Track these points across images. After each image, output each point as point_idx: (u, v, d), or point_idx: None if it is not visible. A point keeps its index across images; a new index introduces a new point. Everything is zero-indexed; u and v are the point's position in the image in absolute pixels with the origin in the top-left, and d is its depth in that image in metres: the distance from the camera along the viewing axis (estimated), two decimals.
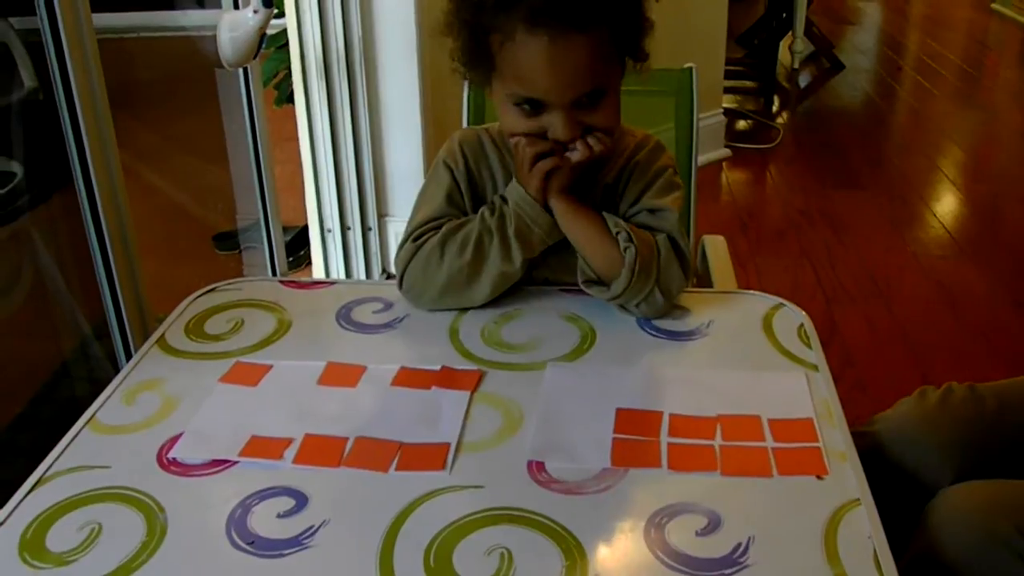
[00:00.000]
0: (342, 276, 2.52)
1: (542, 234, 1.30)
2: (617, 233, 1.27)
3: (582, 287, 1.31)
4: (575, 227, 1.30)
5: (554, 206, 1.29)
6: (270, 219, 2.19)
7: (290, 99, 2.53)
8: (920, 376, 2.54)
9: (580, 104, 1.20)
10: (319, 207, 2.49)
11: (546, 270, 1.37)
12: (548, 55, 1.15)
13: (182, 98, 3.35)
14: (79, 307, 2.18)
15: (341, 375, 1.19)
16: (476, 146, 1.37)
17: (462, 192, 1.35)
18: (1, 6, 2.78)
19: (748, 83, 5.22)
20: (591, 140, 1.22)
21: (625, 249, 1.26)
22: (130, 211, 1.49)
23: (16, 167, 2.72)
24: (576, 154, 1.23)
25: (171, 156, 3.19)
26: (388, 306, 1.35)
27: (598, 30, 1.17)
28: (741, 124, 4.69)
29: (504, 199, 1.31)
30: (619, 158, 1.34)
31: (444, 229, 1.31)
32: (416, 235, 1.33)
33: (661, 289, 1.27)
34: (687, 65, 1.81)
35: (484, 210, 1.32)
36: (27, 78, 2.77)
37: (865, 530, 0.93)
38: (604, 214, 1.29)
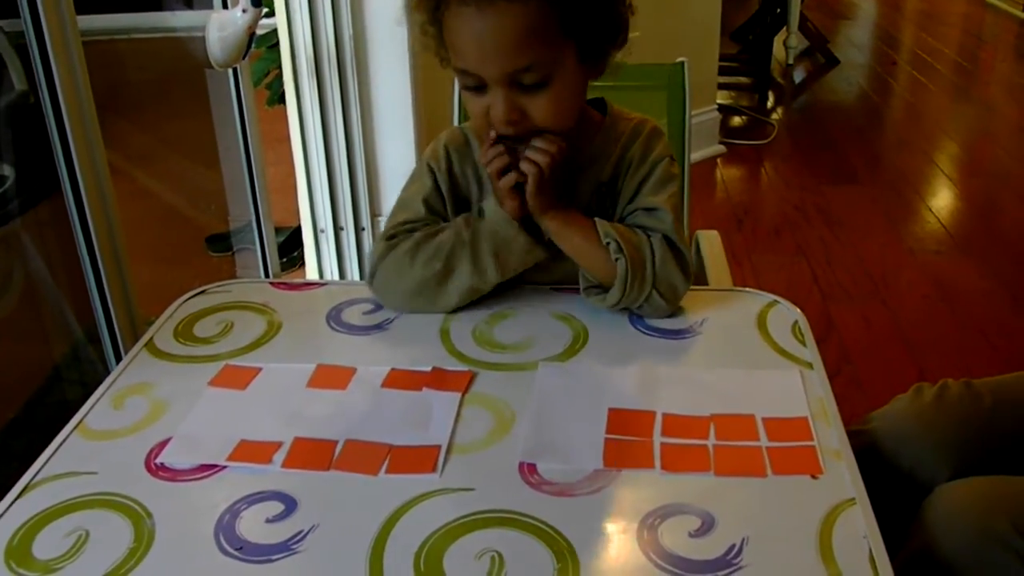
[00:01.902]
0: (336, 277, 2.51)
1: (519, 254, 1.29)
2: (607, 243, 1.25)
3: (583, 294, 1.30)
4: (568, 242, 1.28)
5: (544, 225, 1.28)
6: (262, 220, 2.18)
7: (282, 99, 2.52)
8: (917, 372, 2.54)
9: (518, 85, 1.16)
10: (312, 208, 2.47)
11: (537, 272, 1.35)
12: (476, 24, 1.13)
13: (173, 99, 3.34)
14: (73, 310, 2.17)
15: (331, 377, 1.18)
16: (462, 145, 1.35)
17: (443, 195, 1.34)
18: None
19: (742, 79, 5.21)
20: (531, 154, 1.21)
21: (616, 260, 1.24)
22: (119, 214, 1.48)
23: (7, 170, 2.71)
24: (530, 174, 1.22)
25: (163, 158, 3.19)
26: (378, 307, 1.34)
27: (532, 2, 1.12)
28: (735, 120, 4.68)
29: (482, 211, 1.30)
30: (612, 147, 1.31)
31: (418, 235, 1.30)
32: (390, 234, 1.32)
33: (660, 292, 1.26)
34: (679, 59, 1.80)
35: (461, 221, 1.30)
36: (17, 81, 2.76)
37: (860, 530, 0.92)
38: (596, 220, 1.27)
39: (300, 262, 2.79)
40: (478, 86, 1.18)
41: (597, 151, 1.31)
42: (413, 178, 1.37)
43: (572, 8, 1.14)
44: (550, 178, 1.22)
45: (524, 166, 1.22)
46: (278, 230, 2.46)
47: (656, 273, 1.26)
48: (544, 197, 1.25)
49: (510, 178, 1.23)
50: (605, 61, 1.24)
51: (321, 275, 2.54)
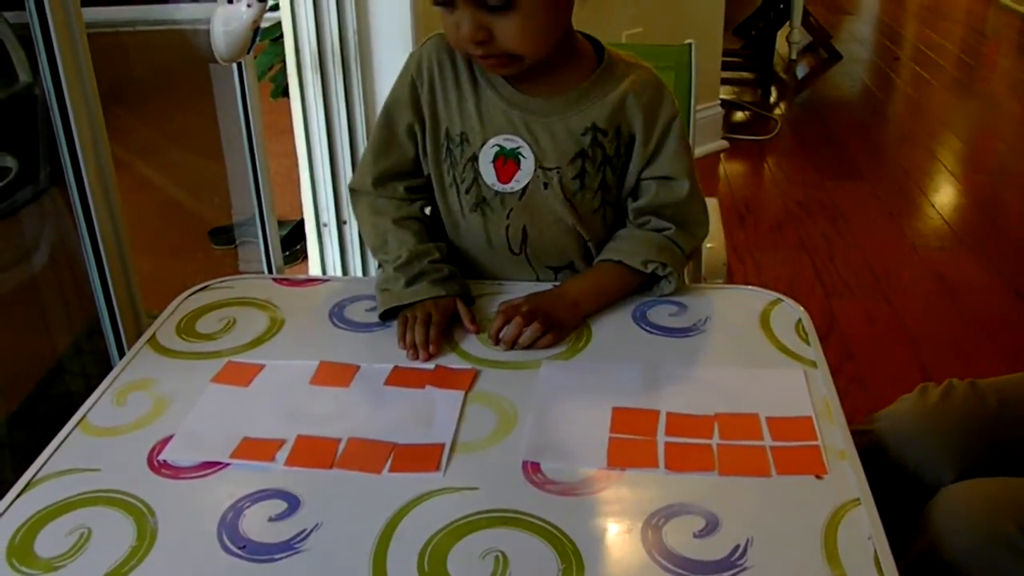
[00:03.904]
0: (338, 270, 2.50)
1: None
2: (653, 270, 1.30)
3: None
4: (610, 298, 1.32)
5: (583, 312, 1.29)
6: (265, 214, 2.17)
7: (287, 92, 2.51)
8: (919, 369, 2.53)
9: (483, 4, 1.14)
10: (315, 201, 2.46)
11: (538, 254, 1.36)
12: None
13: (177, 92, 3.33)
14: (78, 303, 2.16)
15: (334, 375, 1.18)
16: (444, 58, 1.30)
17: (416, 124, 1.32)
18: None
19: (745, 74, 5.20)
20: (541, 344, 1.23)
21: (669, 275, 1.30)
22: (122, 207, 1.47)
23: (11, 162, 2.70)
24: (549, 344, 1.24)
25: (167, 151, 3.18)
26: None
27: None
28: (738, 115, 4.67)
29: (418, 270, 1.29)
30: (611, 88, 1.28)
31: (375, 243, 1.35)
32: (364, 189, 1.36)
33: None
34: (687, 41, 1.82)
35: (397, 269, 1.30)
36: (22, 72, 2.75)
37: (865, 530, 0.91)
38: (620, 259, 1.30)
39: (303, 256, 2.79)
40: (447, 2, 1.16)
41: (592, 88, 1.28)
42: (392, 103, 1.34)
43: None
44: (555, 314, 1.25)
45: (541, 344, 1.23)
46: (281, 223, 2.45)
47: (688, 255, 1.35)
48: (569, 319, 1.27)
49: (544, 341, 1.24)
50: None
51: (324, 269, 2.54)
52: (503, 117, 1.28)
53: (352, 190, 1.39)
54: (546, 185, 1.29)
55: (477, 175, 1.30)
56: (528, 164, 1.29)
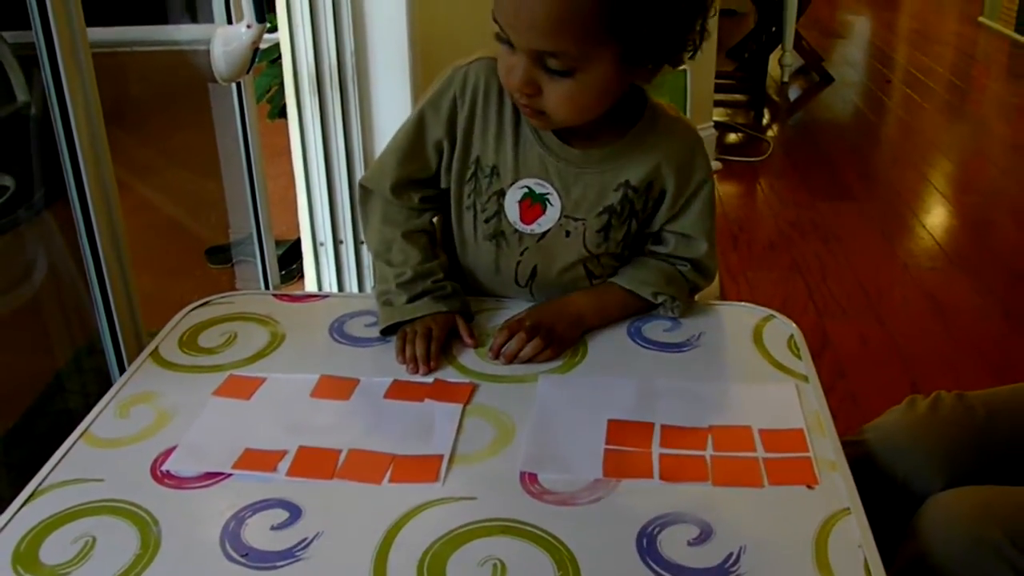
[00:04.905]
0: (335, 290, 2.52)
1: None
2: (662, 303, 1.33)
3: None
4: (611, 318, 1.34)
5: (584, 328, 1.32)
6: (263, 233, 2.19)
7: (283, 113, 2.53)
8: (910, 387, 2.55)
9: (542, 62, 1.12)
10: (311, 221, 2.48)
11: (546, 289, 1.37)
12: None
13: (175, 112, 3.34)
14: (75, 320, 2.17)
15: (334, 388, 1.20)
16: (493, 85, 1.27)
17: (445, 141, 1.30)
18: None
19: (738, 96, 5.24)
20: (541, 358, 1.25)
21: (675, 307, 1.33)
22: (124, 225, 1.49)
23: (8, 180, 2.71)
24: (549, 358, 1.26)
25: (164, 170, 3.19)
26: None
27: None
28: (731, 137, 4.71)
29: (421, 290, 1.31)
30: (650, 147, 1.27)
31: (378, 249, 1.35)
32: (380, 191, 1.34)
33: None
34: (681, 68, 1.84)
35: (401, 287, 1.31)
36: (19, 92, 2.77)
37: (855, 539, 0.93)
38: (631, 288, 1.33)
39: (299, 275, 2.80)
40: (508, 43, 1.14)
41: (630, 145, 1.27)
42: (426, 111, 1.31)
43: (623, 10, 1.09)
44: (557, 329, 1.28)
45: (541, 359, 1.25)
46: (277, 243, 2.47)
47: (692, 290, 1.36)
48: (570, 334, 1.30)
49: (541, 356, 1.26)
50: (653, 72, 1.20)
51: (320, 288, 2.56)
52: (538, 161, 1.27)
53: (365, 187, 1.36)
54: (568, 233, 1.30)
55: (501, 209, 1.30)
56: (554, 211, 1.29)
